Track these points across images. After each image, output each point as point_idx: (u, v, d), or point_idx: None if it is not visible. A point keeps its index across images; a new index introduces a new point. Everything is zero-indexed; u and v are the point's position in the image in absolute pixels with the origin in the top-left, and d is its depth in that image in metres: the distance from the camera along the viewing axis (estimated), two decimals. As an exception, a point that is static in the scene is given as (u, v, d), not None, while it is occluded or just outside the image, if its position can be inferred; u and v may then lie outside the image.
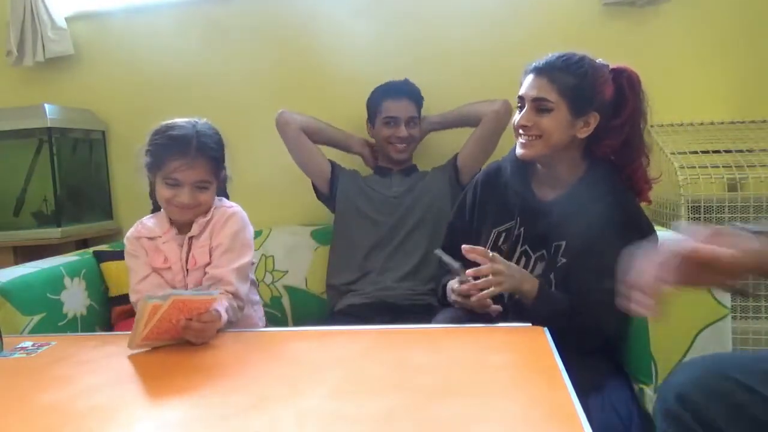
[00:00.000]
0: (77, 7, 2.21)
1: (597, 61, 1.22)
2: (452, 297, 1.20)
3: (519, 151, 1.24)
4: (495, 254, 1.15)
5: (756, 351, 1.09)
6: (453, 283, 1.21)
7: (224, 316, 1.08)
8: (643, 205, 1.26)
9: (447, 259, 1.19)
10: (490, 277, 1.11)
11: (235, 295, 1.18)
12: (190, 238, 1.24)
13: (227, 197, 1.38)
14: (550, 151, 1.21)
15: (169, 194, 1.20)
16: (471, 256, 1.14)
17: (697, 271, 0.70)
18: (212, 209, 1.26)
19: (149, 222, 1.29)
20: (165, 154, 1.18)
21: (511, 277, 1.14)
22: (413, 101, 1.80)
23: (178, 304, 0.97)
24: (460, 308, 1.20)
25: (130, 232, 1.28)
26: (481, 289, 1.12)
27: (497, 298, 1.18)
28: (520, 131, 1.23)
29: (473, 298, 1.12)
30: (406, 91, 1.80)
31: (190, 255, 1.24)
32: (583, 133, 1.21)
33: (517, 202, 1.28)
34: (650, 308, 0.69)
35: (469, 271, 1.14)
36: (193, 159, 1.18)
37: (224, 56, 2.13)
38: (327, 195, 1.86)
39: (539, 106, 1.19)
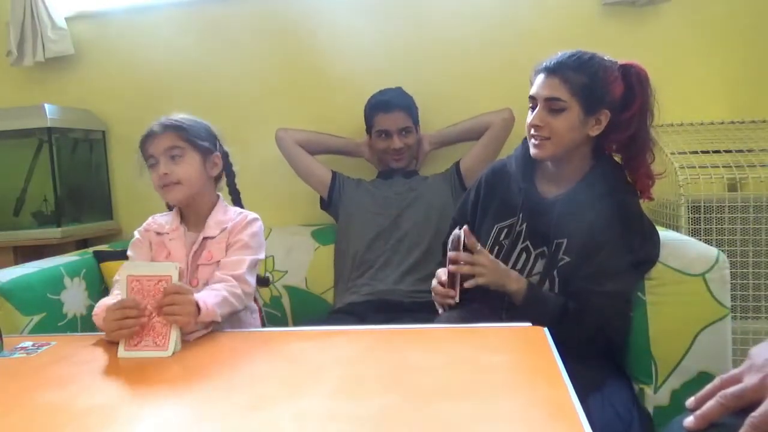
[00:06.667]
0: (77, 7, 2.21)
1: (606, 58, 1.22)
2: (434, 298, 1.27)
3: (532, 151, 1.25)
4: (482, 249, 1.20)
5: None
6: (435, 283, 1.26)
7: (215, 310, 1.06)
8: (643, 204, 1.26)
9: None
10: (472, 267, 1.16)
11: (238, 279, 1.17)
12: (206, 238, 1.24)
13: (240, 204, 1.39)
14: (563, 150, 1.22)
15: (154, 176, 1.24)
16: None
17: None
18: (231, 212, 1.28)
19: (161, 219, 1.31)
20: (142, 142, 1.26)
21: (494, 272, 1.17)
22: (404, 111, 1.81)
23: (136, 285, 1.01)
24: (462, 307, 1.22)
25: (142, 225, 1.31)
26: (462, 281, 1.18)
27: (492, 300, 1.19)
28: (532, 131, 1.24)
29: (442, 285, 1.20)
30: (396, 103, 1.81)
31: (205, 251, 1.23)
32: (595, 131, 1.22)
33: (520, 199, 1.29)
34: None
35: (450, 267, 1.18)
36: (160, 132, 1.24)
37: (224, 56, 2.13)
38: (327, 203, 1.90)
39: (552, 105, 1.20)
